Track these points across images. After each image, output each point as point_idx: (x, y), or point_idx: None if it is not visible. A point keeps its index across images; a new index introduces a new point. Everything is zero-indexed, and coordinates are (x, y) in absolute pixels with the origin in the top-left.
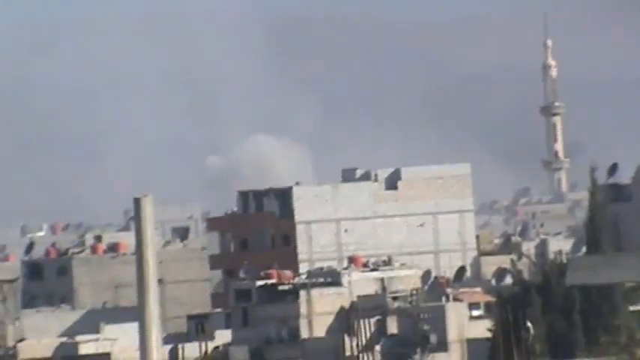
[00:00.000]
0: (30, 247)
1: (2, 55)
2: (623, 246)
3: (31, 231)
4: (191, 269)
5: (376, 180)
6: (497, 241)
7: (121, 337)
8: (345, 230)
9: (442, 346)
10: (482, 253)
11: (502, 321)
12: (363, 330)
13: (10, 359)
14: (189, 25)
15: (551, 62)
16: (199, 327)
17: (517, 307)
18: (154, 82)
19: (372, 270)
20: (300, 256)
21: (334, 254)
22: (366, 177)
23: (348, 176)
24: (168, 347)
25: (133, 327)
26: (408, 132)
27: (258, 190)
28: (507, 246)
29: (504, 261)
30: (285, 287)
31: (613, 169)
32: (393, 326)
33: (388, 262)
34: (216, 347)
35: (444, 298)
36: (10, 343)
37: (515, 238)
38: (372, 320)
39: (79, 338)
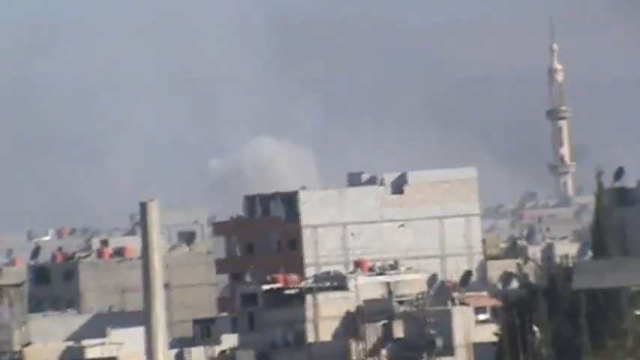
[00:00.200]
0: (36, 251)
1: (4, 55)
2: (629, 250)
3: (37, 235)
4: (197, 273)
5: (382, 184)
6: (503, 245)
7: (127, 341)
8: (352, 234)
9: (448, 350)
10: (489, 257)
11: (508, 325)
12: (369, 334)
13: None
14: (190, 25)
15: (557, 66)
16: (205, 331)
17: (523, 311)
18: (156, 84)
19: (379, 274)
20: (307, 260)
21: (340, 258)
22: (372, 181)
23: (354, 180)
24: (174, 351)
25: (139, 331)
26: (411, 134)
27: (265, 194)
28: (513, 250)
29: (510, 265)
30: (292, 291)
31: (619, 173)
32: (399, 330)
33: (394, 267)
34: (223, 351)
35: (450, 303)
36: (17, 347)
37: (522, 242)
38: (379, 324)
39: (85, 342)
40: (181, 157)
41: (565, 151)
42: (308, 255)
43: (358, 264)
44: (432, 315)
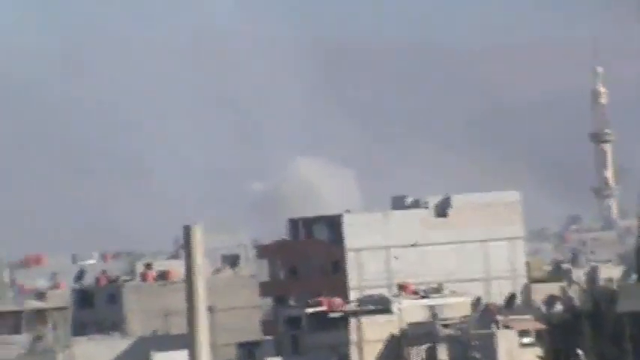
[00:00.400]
0: (80, 274)
1: (45, 78)
2: None
3: (81, 259)
4: (241, 297)
5: (426, 207)
6: (547, 268)
7: None
8: (395, 257)
9: None
10: (533, 281)
11: (552, 348)
12: (413, 357)
13: None
14: (232, 47)
15: (601, 89)
16: (249, 355)
17: (567, 335)
18: (199, 106)
19: (422, 297)
20: (350, 284)
21: (384, 281)
22: (415, 204)
23: (397, 204)
24: None
25: (183, 355)
26: (454, 158)
27: (308, 217)
28: (557, 273)
29: (554, 288)
30: (336, 315)
31: None
32: (443, 354)
33: (438, 290)
34: None
35: (494, 326)
36: None
37: (566, 266)
38: (423, 348)
39: None
40: (224, 180)
41: (609, 174)
42: (352, 278)
43: (402, 287)
44: (476, 338)
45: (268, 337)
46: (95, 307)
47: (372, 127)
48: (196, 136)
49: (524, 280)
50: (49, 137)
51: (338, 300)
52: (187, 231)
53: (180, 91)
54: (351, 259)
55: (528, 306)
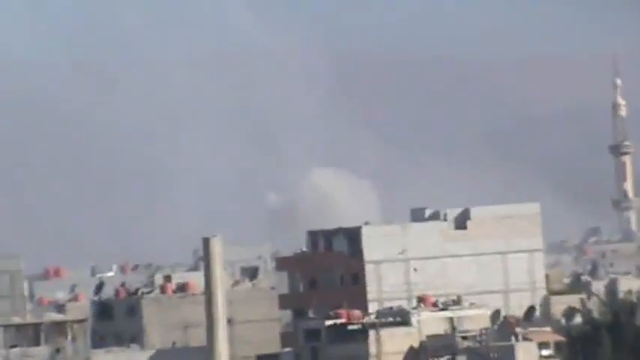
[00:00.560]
0: (100, 287)
1: (66, 94)
2: None
3: (100, 271)
4: (260, 309)
5: (445, 219)
6: (566, 280)
7: None
8: (415, 269)
9: None
10: (552, 293)
11: None
12: None
13: None
14: (251, 61)
15: (621, 101)
16: None
17: (587, 347)
18: (217, 119)
19: (442, 309)
20: (370, 296)
21: (403, 294)
22: (435, 216)
23: (417, 216)
24: None
25: None
26: (474, 170)
27: (327, 229)
28: (577, 285)
29: (574, 300)
30: (355, 327)
31: None
32: None
33: (457, 302)
34: None
35: (513, 338)
36: None
37: (585, 278)
38: None
39: None
40: (244, 192)
41: (628, 186)
42: (371, 290)
43: (421, 299)
44: (495, 350)
45: (287, 350)
46: (114, 320)
47: (390, 138)
48: (215, 149)
49: (544, 292)
50: (69, 151)
51: (357, 312)
52: (206, 243)
53: (199, 104)
54: (370, 271)
55: (547, 318)
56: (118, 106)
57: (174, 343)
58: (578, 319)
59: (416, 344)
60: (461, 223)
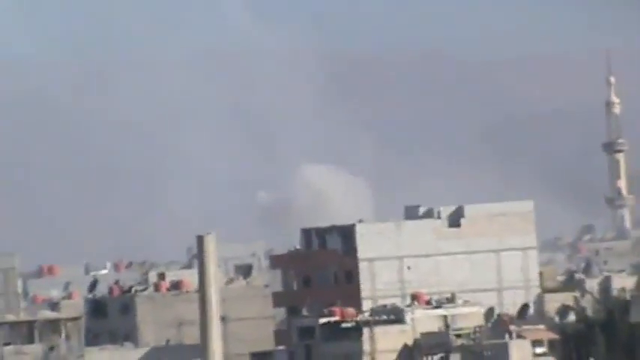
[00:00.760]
0: (93, 284)
1: (63, 92)
2: None
3: (94, 269)
4: (254, 307)
5: (439, 217)
6: (560, 278)
7: None
8: (408, 267)
9: None
10: (546, 290)
11: (566, 358)
12: None
13: None
14: (246, 60)
15: (614, 99)
16: None
17: (581, 344)
18: (213, 118)
19: (435, 307)
20: (363, 293)
21: (397, 291)
22: (428, 214)
23: (410, 213)
24: None
25: None
26: (467, 168)
27: (321, 227)
28: (571, 283)
29: (568, 298)
30: (349, 325)
31: None
32: None
33: (451, 300)
34: None
35: (507, 336)
36: None
37: (579, 275)
38: (436, 357)
39: None
40: (237, 191)
41: (622, 183)
42: (365, 288)
43: (415, 297)
44: (489, 348)
45: (281, 347)
46: (108, 317)
47: (385, 137)
48: (210, 147)
49: (537, 290)
50: (65, 150)
51: (351, 310)
52: (200, 241)
53: (193, 103)
54: (363, 268)
55: (541, 316)
56: (112, 105)
57: (168, 341)
58: (572, 317)
59: (410, 342)
60: (454, 220)
